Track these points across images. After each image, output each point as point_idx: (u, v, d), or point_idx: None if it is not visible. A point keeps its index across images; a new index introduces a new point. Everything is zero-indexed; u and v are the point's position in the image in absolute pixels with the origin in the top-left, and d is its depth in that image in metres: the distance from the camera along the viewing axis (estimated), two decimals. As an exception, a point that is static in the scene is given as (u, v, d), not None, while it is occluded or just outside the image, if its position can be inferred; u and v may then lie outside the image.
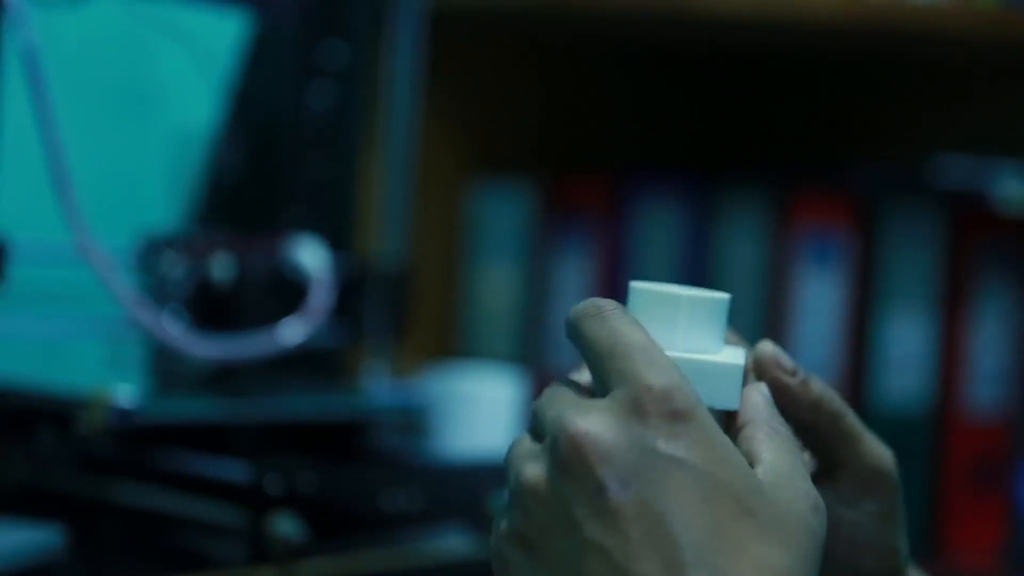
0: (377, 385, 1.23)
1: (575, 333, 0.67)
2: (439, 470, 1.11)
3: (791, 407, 0.73)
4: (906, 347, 1.51)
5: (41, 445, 1.05)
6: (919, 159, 1.57)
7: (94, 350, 1.21)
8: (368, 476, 1.06)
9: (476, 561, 1.08)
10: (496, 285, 1.59)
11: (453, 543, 1.10)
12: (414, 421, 1.19)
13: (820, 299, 1.52)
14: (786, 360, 0.73)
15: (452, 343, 1.59)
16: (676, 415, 0.63)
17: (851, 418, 0.74)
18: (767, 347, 0.73)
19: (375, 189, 1.32)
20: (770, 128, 1.79)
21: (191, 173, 1.27)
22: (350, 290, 1.19)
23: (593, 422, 0.63)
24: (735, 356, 0.70)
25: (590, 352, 0.66)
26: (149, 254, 1.15)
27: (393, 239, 1.26)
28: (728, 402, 0.69)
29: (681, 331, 0.69)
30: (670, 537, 0.61)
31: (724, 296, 0.70)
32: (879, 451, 0.74)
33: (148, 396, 1.03)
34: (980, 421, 1.52)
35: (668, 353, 0.66)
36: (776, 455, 0.66)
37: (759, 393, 0.70)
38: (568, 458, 0.62)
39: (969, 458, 1.52)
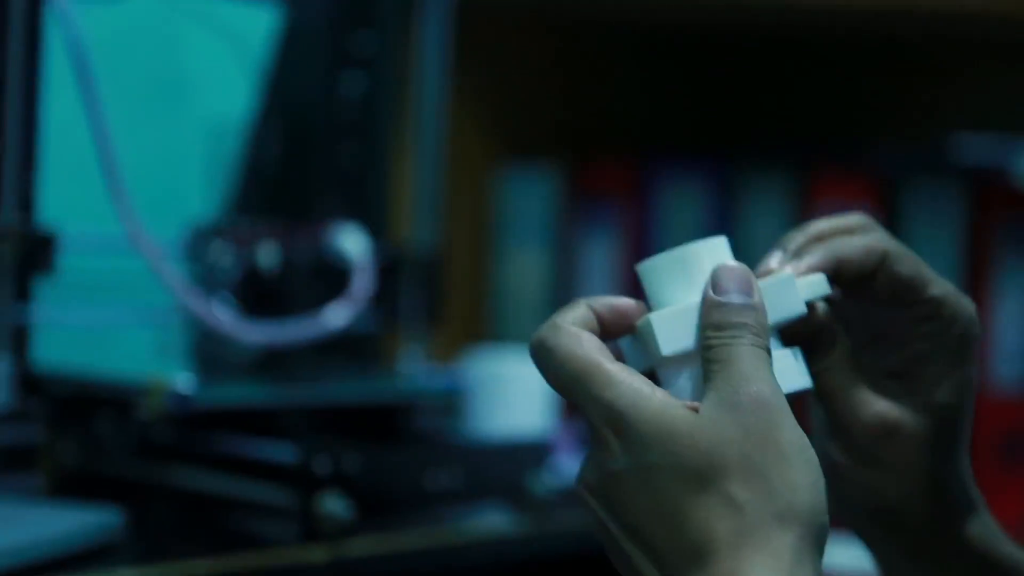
0: (415, 369, 1.25)
1: (536, 367, 0.71)
2: (477, 450, 1.13)
3: (874, 299, 0.77)
4: None
5: (101, 430, 1.06)
6: (938, 138, 1.57)
7: (142, 338, 1.22)
8: (411, 457, 1.08)
9: (515, 537, 1.11)
10: (524, 269, 1.60)
11: (493, 520, 1.12)
12: (452, 403, 1.20)
13: None
14: (858, 254, 0.77)
15: (483, 327, 1.60)
16: (620, 432, 0.68)
17: (940, 282, 0.79)
18: (835, 257, 0.77)
19: (407, 177, 1.33)
20: (790, 110, 1.78)
21: (228, 163, 1.28)
22: (386, 277, 1.21)
23: (581, 473, 0.71)
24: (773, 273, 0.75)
25: (552, 388, 0.71)
26: (198, 244, 1.17)
27: (425, 226, 1.28)
28: (793, 309, 0.73)
29: (676, 285, 0.73)
30: (650, 543, 0.68)
31: (720, 238, 0.73)
32: (965, 305, 0.78)
33: (202, 382, 1.05)
34: (1005, 397, 1.52)
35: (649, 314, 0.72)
36: (707, 388, 0.69)
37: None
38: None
39: (995, 434, 1.52)
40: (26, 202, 0.98)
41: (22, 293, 0.97)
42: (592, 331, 0.71)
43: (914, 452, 0.77)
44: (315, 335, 1.13)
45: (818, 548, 0.67)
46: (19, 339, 0.97)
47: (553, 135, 1.66)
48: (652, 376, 0.72)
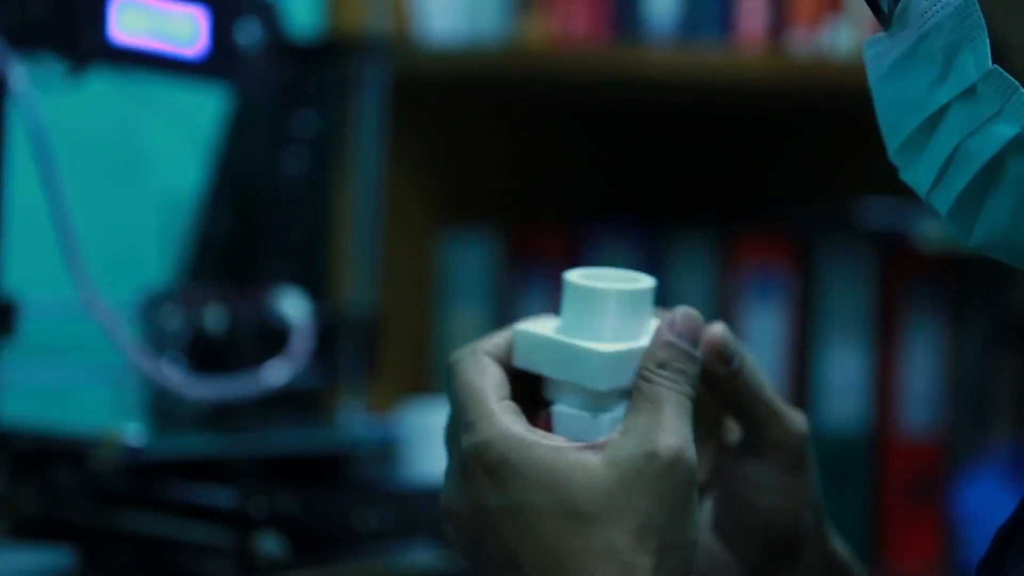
0: (353, 420, 1.34)
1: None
2: (407, 493, 1.21)
3: (718, 389, 0.75)
4: (844, 374, 1.59)
5: (58, 479, 1.14)
6: (848, 202, 1.63)
7: (101, 396, 1.31)
8: (342, 499, 1.17)
9: (440, 573, 1.19)
10: (464, 326, 1.67)
11: (420, 557, 1.19)
12: (386, 451, 1.29)
13: (764, 331, 1.60)
14: (729, 346, 0.74)
15: (425, 380, 1.66)
16: (491, 468, 0.68)
17: (770, 398, 0.75)
18: (714, 331, 0.74)
19: (347, 244, 1.42)
20: (713, 177, 1.86)
21: (182, 233, 1.36)
22: (326, 336, 1.30)
23: (445, 492, 0.71)
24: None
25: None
26: (150, 308, 1.25)
27: (364, 288, 1.37)
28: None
29: (610, 322, 0.70)
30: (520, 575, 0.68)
31: (648, 285, 0.72)
32: (795, 422, 0.76)
33: (153, 434, 1.13)
34: (914, 441, 1.59)
35: (591, 345, 0.69)
36: (629, 425, 0.69)
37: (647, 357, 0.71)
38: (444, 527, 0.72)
39: (905, 476, 1.59)
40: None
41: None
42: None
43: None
44: (257, 391, 1.22)
45: None
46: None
47: (492, 201, 1.73)
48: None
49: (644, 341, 0.71)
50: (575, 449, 0.69)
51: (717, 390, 0.76)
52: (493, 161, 1.74)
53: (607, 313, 0.71)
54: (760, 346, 1.60)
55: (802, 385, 1.60)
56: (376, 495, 1.19)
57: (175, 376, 1.19)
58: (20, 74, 1.08)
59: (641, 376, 0.70)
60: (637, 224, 1.67)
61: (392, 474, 1.30)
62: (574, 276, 0.72)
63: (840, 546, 0.80)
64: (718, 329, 0.74)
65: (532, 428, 0.70)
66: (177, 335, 1.23)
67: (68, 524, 1.14)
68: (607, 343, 0.70)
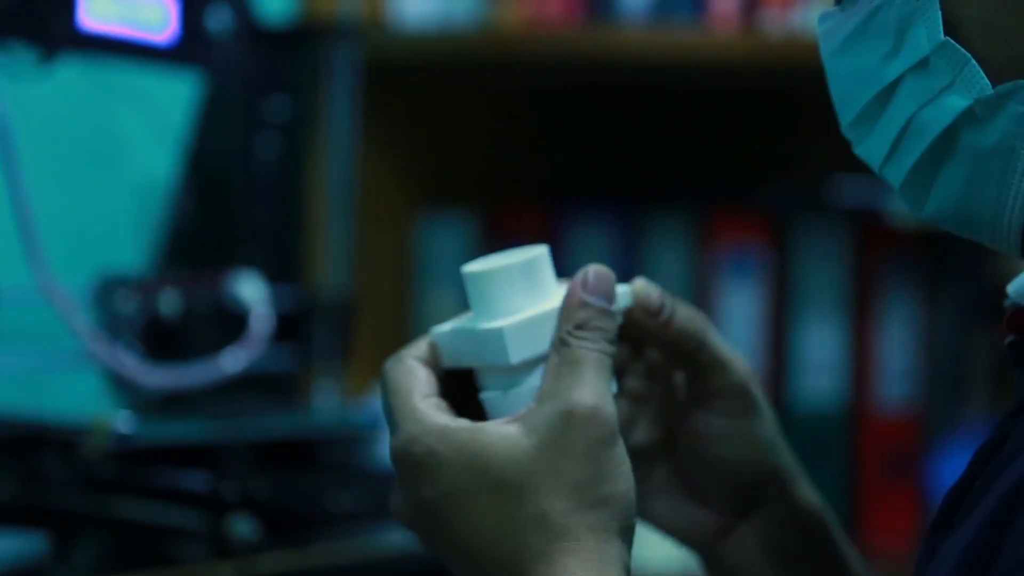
0: (328, 403, 1.35)
1: None
2: (380, 475, 1.22)
3: (655, 343, 0.77)
4: (820, 351, 1.61)
5: (42, 467, 1.14)
6: (822, 180, 1.65)
7: (66, 381, 1.31)
8: (316, 481, 1.18)
9: (413, 555, 1.19)
10: (442, 309, 1.67)
11: (393, 539, 1.20)
12: (361, 434, 1.30)
13: (741, 309, 1.62)
14: (654, 298, 0.75)
15: None
16: (420, 462, 0.69)
17: (713, 346, 0.76)
18: (636, 286, 0.75)
19: (321, 228, 1.43)
20: (688, 156, 1.86)
21: (154, 220, 1.37)
22: (299, 319, 1.31)
23: (391, 499, 0.72)
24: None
25: None
26: (104, 293, 1.24)
27: (338, 272, 1.38)
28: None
29: (509, 297, 0.71)
30: (473, 561, 0.70)
31: (538, 253, 0.72)
32: (738, 366, 0.77)
33: (142, 422, 1.13)
34: (890, 417, 1.61)
35: (492, 324, 0.70)
36: (545, 391, 0.69)
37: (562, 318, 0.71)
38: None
39: (882, 451, 1.61)
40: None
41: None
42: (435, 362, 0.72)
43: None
44: (214, 378, 1.21)
45: (627, 547, 0.70)
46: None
47: (469, 183, 1.74)
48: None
49: (550, 305, 0.71)
50: (496, 425, 0.70)
51: (657, 344, 0.77)
52: (469, 144, 1.75)
53: (504, 290, 0.72)
54: (737, 323, 1.61)
55: (779, 362, 1.62)
56: (349, 477, 1.20)
57: (130, 362, 1.18)
58: (-13, 62, 1.08)
59: (559, 339, 0.70)
60: (614, 204, 1.68)
61: (367, 456, 1.31)
62: (469, 267, 0.73)
63: (809, 489, 0.80)
64: (639, 284, 0.75)
65: (456, 418, 0.71)
66: (132, 320, 1.22)
67: (45, 510, 1.14)
68: (508, 318, 0.71)
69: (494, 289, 0.72)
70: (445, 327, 0.74)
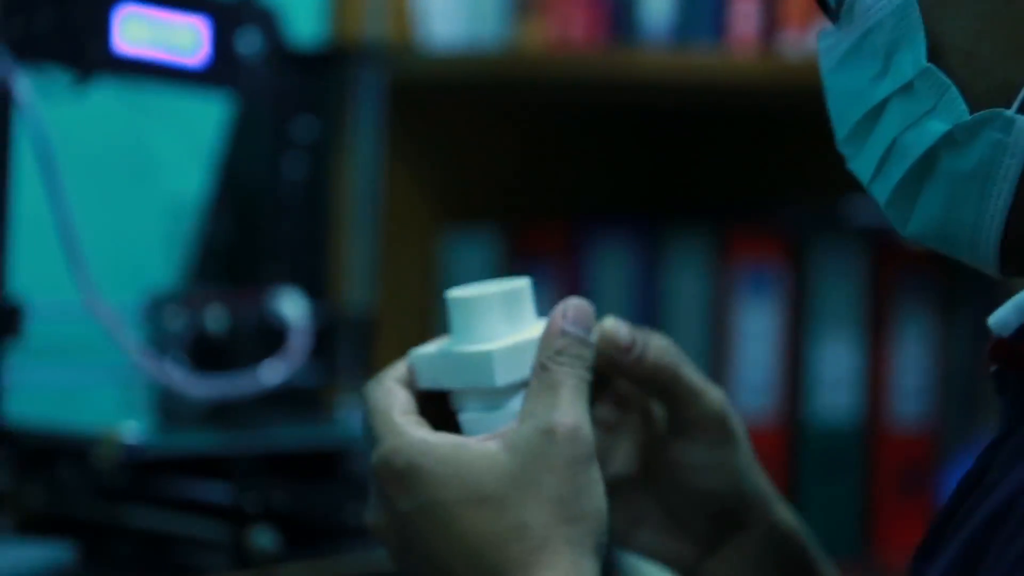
0: (350, 417, 1.37)
1: None
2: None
3: (630, 376, 0.79)
4: (836, 368, 1.62)
5: (62, 476, 1.17)
6: (838, 200, 1.66)
7: (105, 395, 1.34)
8: (335, 493, 1.20)
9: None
10: None
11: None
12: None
13: (758, 327, 1.63)
14: (624, 336, 0.77)
15: None
16: (400, 474, 0.71)
17: (687, 378, 0.78)
18: (606, 325, 0.77)
19: (346, 246, 1.45)
20: (707, 176, 1.88)
21: (186, 237, 1.40)
22: (324, 335, 1.34)
23: (367, 512, 0.74)
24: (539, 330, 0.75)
25: None
26: (153, 309, 1.28)
27: (362, 289, 1.39)
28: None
29: (493, 324, 0.74)
30: (450, 573, 0.71)
31: (521, 284, 0.75)
32: (713, 397, 0.79)
33: (153, 432, 1.16)
34: (905, 433, 1.62)
35: (480, 347, 0.72)
36: (526, 410, 0.72)
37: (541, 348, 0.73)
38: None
39: (896, 466, 1.62)
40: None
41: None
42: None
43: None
44: (256, 389, 1.25)
45: (599, 564, 0.72)
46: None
47: (493, 201, 1.75)
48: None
49: (531, 334, 0.74)
50: (477, 441, 0.72)
51: (632, 378, 0.79)
52: (494, 162, 1.76)
53: (489, 317, 0.74)
54: (754, 340, 1.62)
55: (795, 378, 1.63)
56: (366, 489, 1.22)
57: (177, 375, 1.22)
58: (25, 85, 1.10)
59: (540, 365, 0.73)
60: (634, 222, 1.69)
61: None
62: (453, 293, 0.75)
63: (787, 512, 0.83)
64: (609, 322, 0.78)
65: (435, 432, 0.73)
66: (179, 336, 1.26)
67: (70, 520, 1.17)
68: (495, 342, 0.74)
69: (477, 315, 0.74)
70: (426, 349, 0.76)
